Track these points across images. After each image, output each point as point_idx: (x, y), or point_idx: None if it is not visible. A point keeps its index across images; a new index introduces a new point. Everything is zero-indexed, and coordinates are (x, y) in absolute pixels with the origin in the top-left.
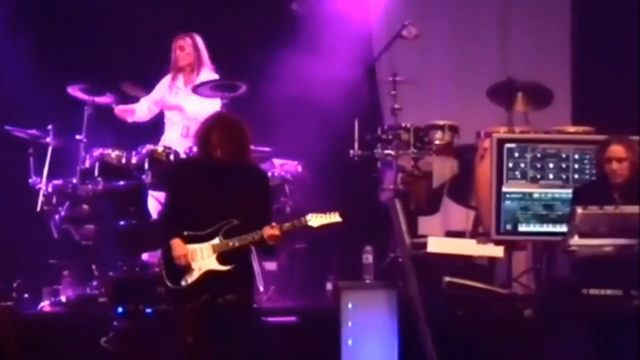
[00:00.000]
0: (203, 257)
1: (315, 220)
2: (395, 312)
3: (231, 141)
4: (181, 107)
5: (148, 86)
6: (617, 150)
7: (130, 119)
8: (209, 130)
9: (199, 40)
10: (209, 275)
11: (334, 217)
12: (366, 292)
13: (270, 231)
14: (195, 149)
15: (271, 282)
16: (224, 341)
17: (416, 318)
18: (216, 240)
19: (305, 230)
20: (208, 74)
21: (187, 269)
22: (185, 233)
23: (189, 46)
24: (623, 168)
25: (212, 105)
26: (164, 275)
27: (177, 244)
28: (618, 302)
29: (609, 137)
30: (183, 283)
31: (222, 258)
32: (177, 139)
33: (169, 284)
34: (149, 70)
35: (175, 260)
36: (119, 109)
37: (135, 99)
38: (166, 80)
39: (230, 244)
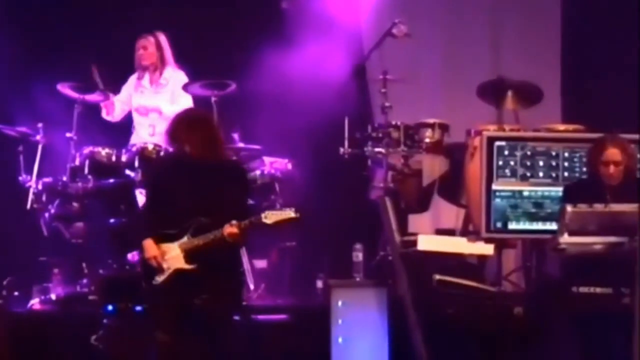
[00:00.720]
0: (172, 257)
1: (270, 217)
2: (386, 310)
3: (198, 136)
4: (147, 106)
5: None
6: (614, 153)
7: (107, 116)
8: (175, 127)
9: (162, 39)
10: (178, 274)
11: (289, 214)
12: (356, 290)
13: (230, 229)
14: (170, 148)
15: (261, 280)
16: (199, 341)
17: (406, 318)
18: (184, 239)
19: (264, 228)
20: (173, 71)
21: (159, 268)
22: (160, 232)
23: (152, 45)
24: (618, 171)
25: (180, 104)
26: (142, 274)
27: (148, 245)
28: (608, 300)
29: (605, 139)
30: (155, 282)
31: (189, 257)
32: (145, 139)
33: (144, 283)
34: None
35: (147, 262)
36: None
37: (94, 85)
38: (132, 80)
39: (195, 242)
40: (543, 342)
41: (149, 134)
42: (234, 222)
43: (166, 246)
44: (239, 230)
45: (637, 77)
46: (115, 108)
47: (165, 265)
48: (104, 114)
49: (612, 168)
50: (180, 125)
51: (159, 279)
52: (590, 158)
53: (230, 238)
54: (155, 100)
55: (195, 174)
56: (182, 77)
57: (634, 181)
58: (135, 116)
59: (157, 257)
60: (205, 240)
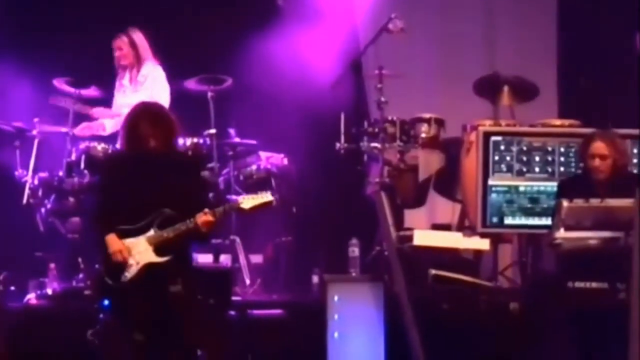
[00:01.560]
0: (140, 251)
1: (247, 202)
2: (382, 305)
3: (161, 129)
4: (129, 105)
5: None
6: (599, 147)
7: (103, 133)
8: (136, 122)
9: (137, 37)
10: (148, 268)
11: (266, 197)
12: (352, 285)
13: (204, 217)
14: (119, 143)
15: (257, 275)
16: (174, 334)
17: (402, 315)
18: (151, 232)
19: (245, 216)
20: (152, 67)
21: (125, 264)
22: (119, 228)
23: (126, 45)
24: (605, 165)
25: (161, 99)
26: (103, 272)
27: (112, 239)
28: (604, 295)
29: (593, 133)
30: (123, 279)
31: (158, 250)
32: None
33: (109, 281)
34: None
35: (112, 257)
36: (82, 129)
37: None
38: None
39: (165, 234)
40: (539, 337)
41: None
42: (207, 210)
43: (130, 241)
44: (214, 219)
45: (634, 72)
46: (105, 126)
47: (133, 261)
48: (102, 133)
49: (597, 161)
50: (146, 120)
51: (128, 274)
52: (580, 152)
53: (204, 227)
54: (135, 99)
55: (153, 168)
56: (160, 72)
57: (626, 176)
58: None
59: (123, 251)
60: (177, 231)
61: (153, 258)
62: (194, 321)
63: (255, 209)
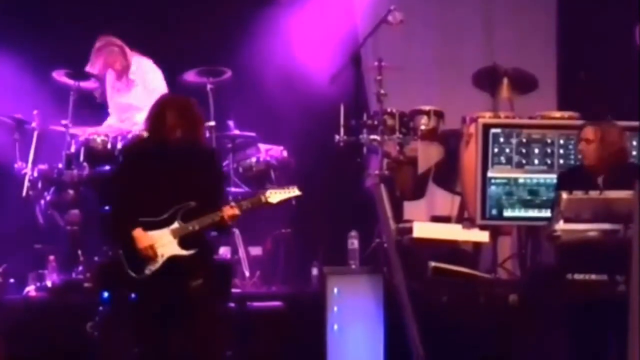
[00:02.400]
0: (163, 244)
1: (274, 196)
2: (381, 297)
3: (187, 120)
4: (126, 104)
5: None
6: (587, 131)
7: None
8: (163, 111)
9: (117, 41)
10: (173, 261)
11: (293, 191)
12: (352, 277)
13: (231, 211)
14: (145, 133)
15: (256, 268)
16: (195, 326)
17: (401, 307)
18: (175, 225)
19: (266, 208)
20: (138, 61)
21: (154, 258)
22: (143, 220)
23: (116, 53)
24: (589, 150)
25: (156, 90)
26: (125, 266)
27: (140, 234)
28: (603, 288)
29: (586, 122)
30: (147, 272)
31: (183, 243)
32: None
33: (133, 274)
34: None
35: (141, 252)
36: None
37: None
38: (109, 82)
39: (191, 227)
40: (537, 329)
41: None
42: (233, 204)
43: (154, 234)
44: (240, 212)
45: (634, 64)
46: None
47: (157, 253)
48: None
49: (583, 144)
50: (173, 110)
51: (153, 267)
52: (575, 142)
53: (230, 220)
54: (129, 98)
55: (180, 158)
56: (146, 63)
57: (626, 168)
58: (110, 105)
59: (153, 246)
60: (202, 224)
61: (177, 251)
62: (210, 315)
63: (282, 203)
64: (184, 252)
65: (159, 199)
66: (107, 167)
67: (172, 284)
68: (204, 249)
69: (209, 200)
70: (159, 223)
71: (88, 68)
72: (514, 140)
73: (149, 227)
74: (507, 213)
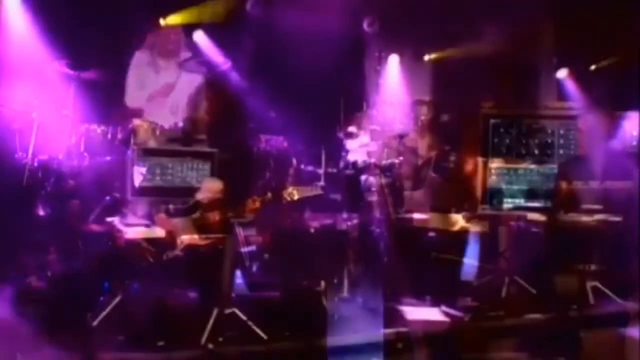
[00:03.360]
0: (185, 231)
1: (297, 193)
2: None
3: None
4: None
5: None
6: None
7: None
8: (198, 104)
9: None
10: (191, 248)
11: (316, 190)
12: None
13: (253, 205)
14: (180, 124)
15: (257, 258)
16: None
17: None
18: (197, 214)
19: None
20: None
21: (173, 243)
22: (166, 207)
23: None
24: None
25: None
26: (145, 250)
27: (163, 219)
28: (601, 278)
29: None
30: (165, 257)
31: (202, 232)
32: None
33: (151, 260)
34: None
35: (163, 237)
36: None
37: None
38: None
39: (212, 217)
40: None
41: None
42: (255, 197)
43: (177, 221)
44: (261, 206)
45: (634, 55)
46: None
47: (178, 241)
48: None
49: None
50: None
51: (171, 253)
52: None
53: (251, 213)
54: None
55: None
56: None
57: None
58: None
59: (173, 232)
60: (224, 215)
61: (196, 240)
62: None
63: (303, 199)
64: (202, 242)
65: (182, 188)
66: (108, 158)
67: (189, 271)
68: (223, 239)
69: (232, 191)
70: (182, 211)
71: None
72: (514, 131)
73: (172, 214)
74: (508, 203)
